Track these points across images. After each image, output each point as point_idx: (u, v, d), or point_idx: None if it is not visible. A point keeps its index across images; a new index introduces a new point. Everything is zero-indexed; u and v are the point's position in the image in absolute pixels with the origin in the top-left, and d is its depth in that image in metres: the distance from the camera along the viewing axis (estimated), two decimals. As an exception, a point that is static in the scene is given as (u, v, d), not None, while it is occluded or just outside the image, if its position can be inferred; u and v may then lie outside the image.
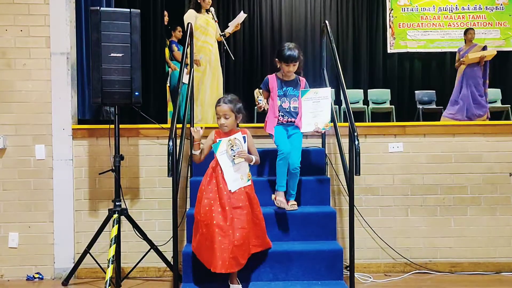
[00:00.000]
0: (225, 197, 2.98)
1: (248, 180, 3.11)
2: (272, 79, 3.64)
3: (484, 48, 6.98)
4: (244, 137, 3.11)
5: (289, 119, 3.59)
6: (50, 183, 4.09)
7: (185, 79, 5.64)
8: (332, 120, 3.62)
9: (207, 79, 5.34)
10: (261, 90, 3.61)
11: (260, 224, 3.14)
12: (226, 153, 3.07)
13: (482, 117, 6.74)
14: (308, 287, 3.05)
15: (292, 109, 3.59)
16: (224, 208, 2.96)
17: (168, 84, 6.53)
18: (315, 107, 3.45)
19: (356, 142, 3.02)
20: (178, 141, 3.51)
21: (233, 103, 3.12)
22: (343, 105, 7.30)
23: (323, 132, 3.57)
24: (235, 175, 3.06)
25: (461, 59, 6.93)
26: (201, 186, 3.12)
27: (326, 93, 3.46)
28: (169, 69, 6.67)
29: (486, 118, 6.76)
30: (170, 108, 6.38)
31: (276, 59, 3.58)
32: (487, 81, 6.95)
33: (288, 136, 3.55)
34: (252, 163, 3.17)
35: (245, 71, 9.56)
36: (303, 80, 3.68)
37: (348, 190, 3.16)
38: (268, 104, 3.60)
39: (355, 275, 3.49)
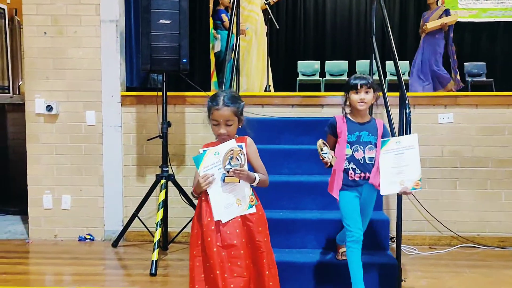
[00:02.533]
0: (213, 239, 2.15)
1: (251, 206, 2.21)
2: (340, 120, 2.71)
3: (447, 12, 6.40)
4: (241, 146, 2.17)
5: (363, 174, 2.65)
6: (100, 148, 4.21)
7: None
8: (381, 89, 3.53)
9: (252, 49, 5.31)
10: (323, 141, 2.60)
11: (269, 275, 2.23)
12: (215, 166, 2.15)
13: (442, 89, 6.23)
14: (353, 256, 3.04)
15: (367, 161, 2.65)
16: (212, 256, 2.13)
17: (213, 53, 6.52)
18: (399, 161, 2.60)
19: (408, 110, 2.95)
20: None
21: (236, 103, 2.19)
22: (388, 77, 7.12)
23: (413, 193, 2.65)
24: (228, 199, 2.18)
25: (423, 27, 6.41)
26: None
27: (411, 142, 2.62)
28: (214, 38, 6.65)
29: (454, 89, 6.26)
30: (214, 78, 6.39)
31: (344, 93, 2.71)
32: (454, 48, 6.44)
33: (361, 202, 2.72)
34: (255, 184, 2.24)
35: (287, 40, 9.43)
36: (380, 123, 2.74)
37: (396, 160, 3.10)
38: (334, 155, 2.64)
39: (400, 246, 3.46)
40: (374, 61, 4.03)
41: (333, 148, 2.68)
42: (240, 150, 2.13)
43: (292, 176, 3.57)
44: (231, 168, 2.13)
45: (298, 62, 8.23)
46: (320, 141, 2.54)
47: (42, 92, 4.17)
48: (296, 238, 3.20)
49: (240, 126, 2.22)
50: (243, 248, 2.16)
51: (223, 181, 2.15)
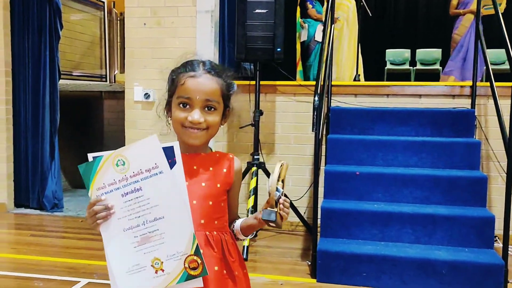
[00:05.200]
0: None
1: (189, 278, 1.15)
2: None
3: None
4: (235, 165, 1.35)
5: None
6: (194, 135, 4.33)
7: (319, 37, 5.58)
8: (488, 79, 3.32)
9: (344, 38, 5.21)
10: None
11: None
12: (117, 189, 1.15)
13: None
14: (453, 253, 2.91)
15: None
16: None
17: (299, 42, 6.49)
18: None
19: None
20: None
21: (224, 76, 1.32)
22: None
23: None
24: (137, 257, 1.15)
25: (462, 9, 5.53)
26: None
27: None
28: (301, 27, 6.61)
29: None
30: (299, 67, 6.36)
31: None
32: None
33: None
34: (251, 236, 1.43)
35: (375, 27, 9.13)
36: None
37: (506, 154, 2.91)
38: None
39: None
40: (480, 48, 3.76)
41: None
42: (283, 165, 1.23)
43: (387, 168, 3.47)
44: (280, 198, 1.21)
45: (387, 50, 7.95)
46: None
47: (140, 81, 4.37)
48: (391, 232, 3.11)
49: (223, 124, 1.34)
50: None
51: (269, 219, 1.20)
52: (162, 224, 1.12)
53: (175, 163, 1.13)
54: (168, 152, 1.13)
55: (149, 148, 1.14)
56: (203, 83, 1.25)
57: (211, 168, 1.31)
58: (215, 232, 1.28)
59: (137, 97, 4.36)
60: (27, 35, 4.64)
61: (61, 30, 4.74)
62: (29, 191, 4.76)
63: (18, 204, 4.79)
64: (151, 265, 1.13)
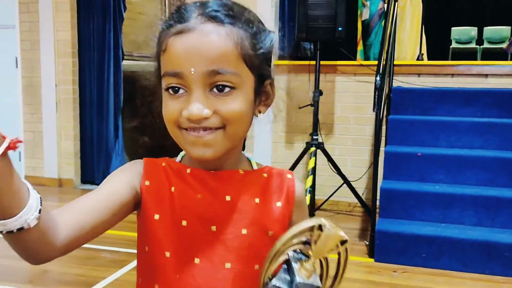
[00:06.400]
0: None
1: None
2: None
3: None
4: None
5: None
6: (253, 115, 4.41)
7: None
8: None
9: (406, 15, 5.07)
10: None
11: None
12: None
13: None
14: (518, 237, 2.84)
15: None
16: None
17: (360, 21, 6.37)
18: None
19: None
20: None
21: (246, 21, 0.72)
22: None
23: None
24: None
25: None
26: None
27: None
28: (362, 5, 6.48)
29: None
30: (360, 46, 6.25)
31: None
32: None
33: None
34: None
35: (440, 4, 8.78)
36: None
37: None
38: None
39: None
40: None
41: None
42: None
43: (451, 149, 3.40)
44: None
45: (452, 28, 7.65)
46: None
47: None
48: (453, 213, 3.07)
49: (262, 112, 0.79)
50: None
51: None
52: None
53: None
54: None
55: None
56: (202, 42, 0.67)
57: (257, 200, 0.75)
58: None
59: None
60: (92, 17, 4.83)
61: (124, 12, 4.91)
62: (94, 168, 5.02)
63: (84, 180, 5.06)
64: None
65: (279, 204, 0.77)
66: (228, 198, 0.74)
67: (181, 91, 0.69)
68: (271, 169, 0.81)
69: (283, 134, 4.39)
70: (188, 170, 0.76)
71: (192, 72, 0.67)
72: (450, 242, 2.86)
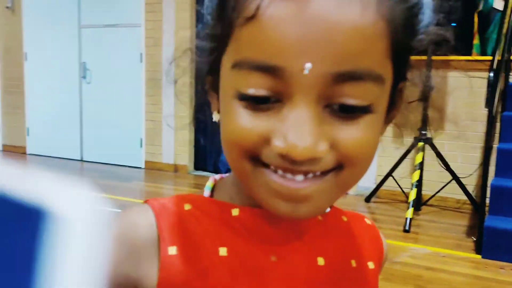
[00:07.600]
0: None
1: None
2: None
3: None
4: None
5: None
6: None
7: (499, 5, 5.18)
8: None
9: (528, 5, 4.78)
10: None
11: None
12: None
13: None
14: None
15: None
16: None
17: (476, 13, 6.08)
18: None
19: None
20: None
21: None
22: None
23: None
24: None
25: None
26: None
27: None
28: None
29: None
30: (476, 40, 5.96)
31: None
32: None
33: None
34: None
35: None
36: None
37: None
38: None
39: None
40: None
41: None
42: None
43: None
44: None
45: None
46: None
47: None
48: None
49: (386, 127, 0.50)
50: None
51: None
52: None
53: None
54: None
55: None
56: (332, 15, 0.36)
57: (353, 263, 0.51)
58: None
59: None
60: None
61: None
62: (206, 156, 5.36)
63: (197, 167, 5.44)
64: None
65: (371, 265, 0.52)
66: (321, 261, 0.47)
67: (271, 100, 0.39)
68: (340, 209, 0.54)
69: (390, 128, 4.38)
70: (236, 212, 0.47)
71: (306, 72, 0.36)
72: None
